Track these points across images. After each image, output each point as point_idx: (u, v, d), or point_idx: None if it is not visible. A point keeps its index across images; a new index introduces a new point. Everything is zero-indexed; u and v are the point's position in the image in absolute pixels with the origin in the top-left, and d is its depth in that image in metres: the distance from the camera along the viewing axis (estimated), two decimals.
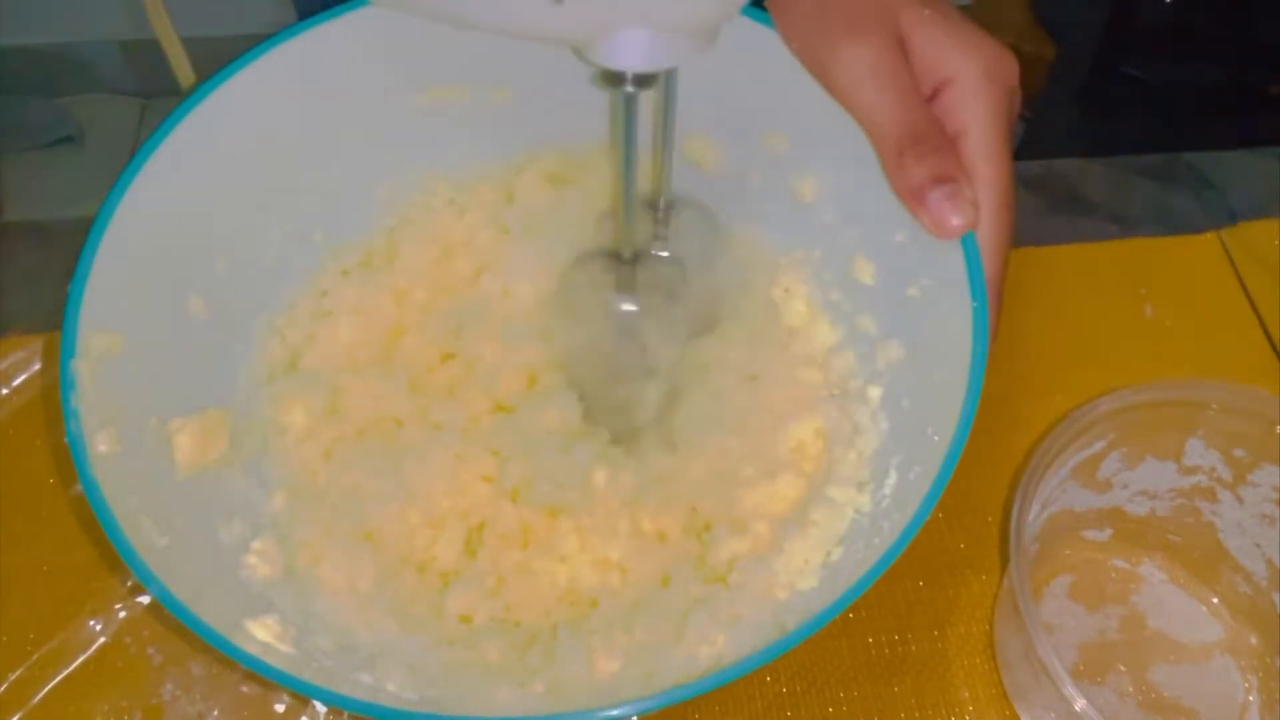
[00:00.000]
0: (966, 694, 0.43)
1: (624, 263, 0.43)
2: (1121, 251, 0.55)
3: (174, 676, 0.42)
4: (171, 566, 0.34)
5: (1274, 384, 0.50)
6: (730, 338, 0.47)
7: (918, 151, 0.36)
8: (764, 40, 0.41)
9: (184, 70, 0.40)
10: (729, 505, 0.43)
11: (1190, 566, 0.45)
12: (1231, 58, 0.79)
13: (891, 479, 0.40)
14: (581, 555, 0.42)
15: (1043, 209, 0.56)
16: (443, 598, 0.41)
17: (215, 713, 0.41)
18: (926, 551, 0.46)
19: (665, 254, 0.45)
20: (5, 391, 0.48)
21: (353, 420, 0.44)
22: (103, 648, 0.43)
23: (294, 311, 0.46)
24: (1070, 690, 0.35)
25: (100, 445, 0.35)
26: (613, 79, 0.34)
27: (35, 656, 0.42)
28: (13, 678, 0.42)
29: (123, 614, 0.43)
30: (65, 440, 0.35)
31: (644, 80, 0.34)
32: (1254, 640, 0.44)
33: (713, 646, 0.38)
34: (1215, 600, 0.45)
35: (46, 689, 0.42)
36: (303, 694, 0.33)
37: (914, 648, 0.44)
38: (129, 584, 0.44)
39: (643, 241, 0.44)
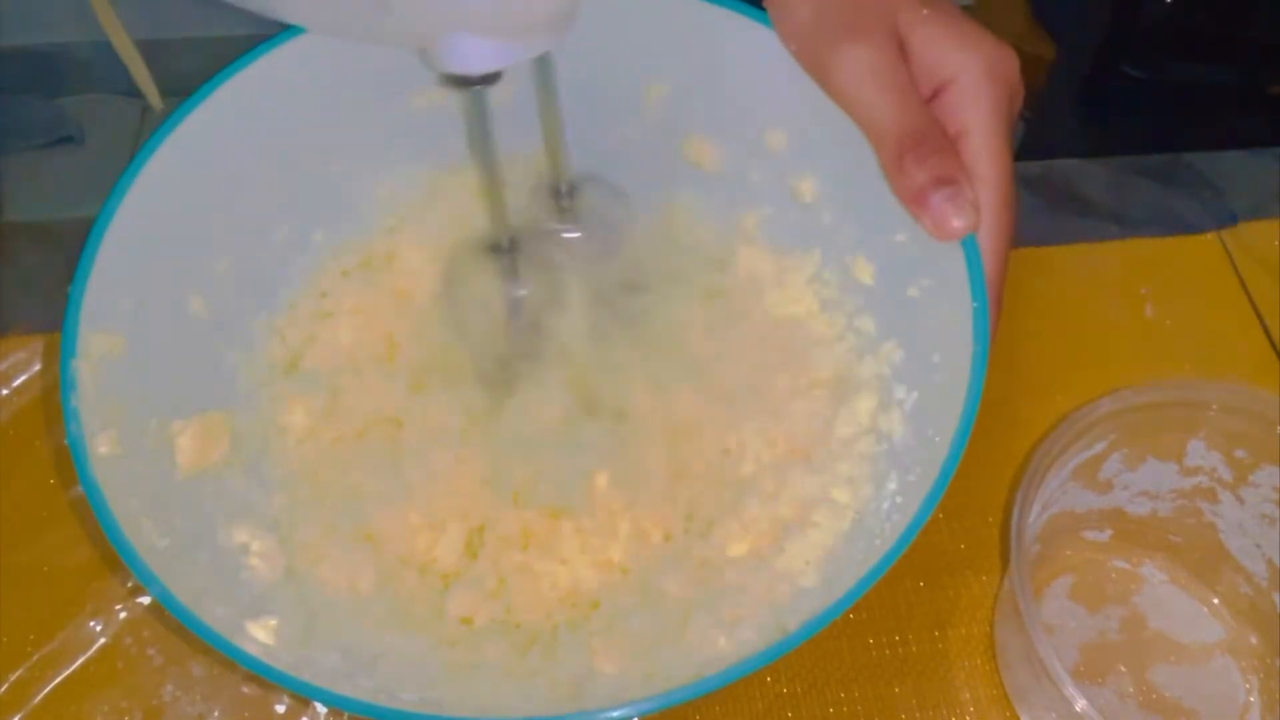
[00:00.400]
0: (967, 695, 0.43)
1: (504, 251, 0.43)
2: (1121, 251, 0.55)
3: (174, 677, 0.42)
4: (172, 568, 0.34)
5: (1275, 384, 0.50)
6: (729, 338, 0.47)
7: (918, 154, 0.36)
8: (763, 40, 0.41)
9: (149, 87, 0.41)
10: (729, 506, 0.43)
11: (1191, 567, 0.45)
12: (1232, 58, 0.78)
13: (892, 480, 0.40)
14: (582, 556, 0.42)
15: (1043, 209, 0.56)
16: (443, 599, 0.41)
17: (216, 713, 0.41)
18: (927, 552, 0.46)
19: (577, 234, 0.45)
20: (5, 392, 0.48)
21: (353, 421, 0.44)
22: (103, 648, 0.42)
23: (294, 312, 0.46)
24: (1071, 691, 0.35)
25: (101, 447, 0.35)
26: (456, 80, 0.34)
27: (35, 657, 0.42)
28: (13, 678, 0.42)
29: (123, 615, 0.43)
30: (66, 441, 0.35)
31: (487, 79, 0.35)
32: (1255, 641, 0.44)
33: (713, 647, 0.38)
34: (1216, 601, 0.45)
35: (47, 689, 0.42)
36: (303, 695, 0.33)
37: (914, 648, 0.44)
38: (129, 584, 0.44)
39: (549, 225, 0.45)
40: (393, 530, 0.42)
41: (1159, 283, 0.54)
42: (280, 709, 0.41)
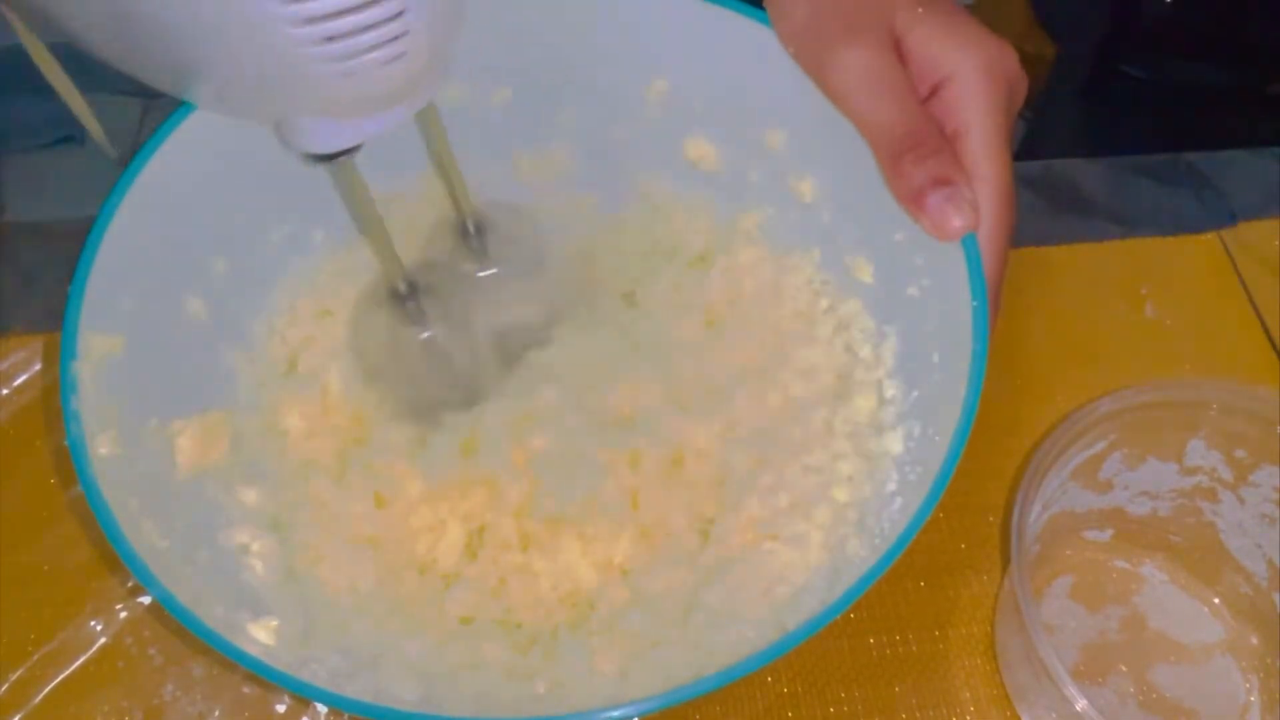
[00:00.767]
0: (967, 694, 0.43)
1: (405, 296, 0.43)
2: (1122, 251, 0.55)
3: (175, 677, 0.42)
4: (172, 568, 0.34)
5: (1275, 384, 0.50)
6: (729, 338, 0.47)
7: (915, 155, 0.36)
8: (763, 40, 0.41)
9: (99, 135, 0.41)
10: (729, 506, 0.43)
11: (1191, 567, 0.45)
12: (1232, 58, 0.78)
13: (892, 479, 0.40)
14: (583, 557, 0.42)
15: (1043, 209, 0.56)
16: (444, 599, 0.41)
17: (216, 713, 0.41)
18: (927, 552, 0.46)
19: (492, 271, 0.45)
20: (6, 392, 0.48)
21: (353, 422, 0.44)
22: (103, 648, 0.42)
23: (294, 312, 0.45)
24: (1071, 691, 0.35)
25: (101, 448, 0.35)
26: (314, 157, 0.35)
27: (36, 657, 0.42)
28: (13, 678, 0.42)
29: (124, 614, 0.43)
30: (65, 442, 0.35)
31: (347, 152, 0.35)
32: (1255, 641, 0.44)
33: (713, 647, 0.38)
34: (1216, 601, 0.45)
35: (47, 689, 0.42)
36: (303, 696, 0.33)
37: (915, 648, 0.44)
38: (130, 584, 0.44)
39: (462, 268, 0.45)
40: (393, 531, 0.42)
41: (1159, 283, 0.54)
42: (280, 709, 0.41)
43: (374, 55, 0.30)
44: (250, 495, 0.41)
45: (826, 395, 0.44)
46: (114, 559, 0.33)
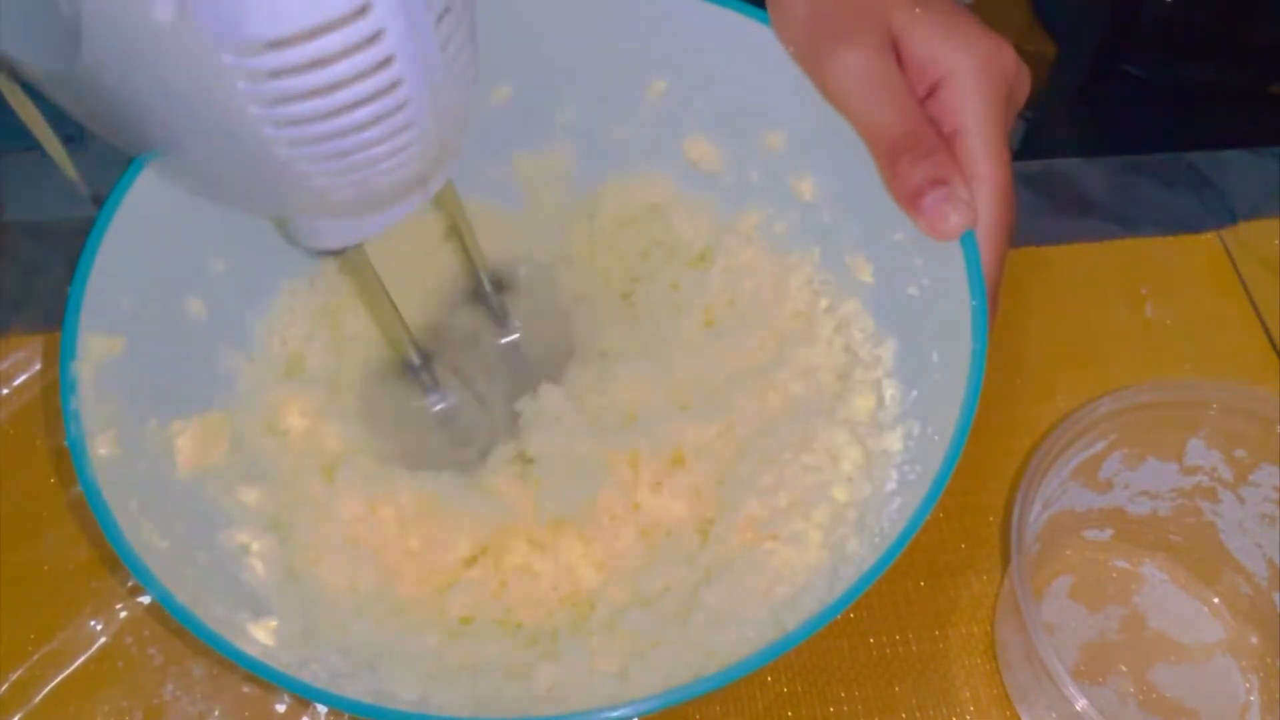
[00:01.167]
0: (967, 694, 0.43)
1: (417, 367, 0.43)
2: (1121, 251, 0.55)
3: (175, 677, 0.42)
4: (172, 569, 0.34)
5: (1275, 384, 0.50)
6: (729, 338, 0.46)
7: (912, 156, 0.36)
8: (763, 40, 0.41)
9: (70, 172, 0.41)
10: (729, 506, 0.43)
11: (1191, 567, 0.45)
12: (1232, 58, 0.78)
13: (892, 479, 0.40)
14: (584, 559, 0.42)
15: (1043, 209, 0.56)
16: (444, 599, 0.41)
17: (216, 713, 0.41)
18: (927, 551, 0.46)
19: (514, 337, 0.45)
20: (5, 391, 0.48)
21: (354, 422, 0.44)
22: (104, 648, 0.43)
23: (294, 312, 0.45)
24: (1071, 690, 0.35)
25: (100, 448, 0.35)
26: (321, 251, 0.35)
27: (36, 656, 0.42)
28: (13, 678, 0.42)
29: (124, 614, 0.43)
30: (65, 442, 0.35)
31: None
32: (1255, 640, 0.44)
33: (713, 646, 0.38)
34: (1216, 600, 0.45)
35: (47, 689, 0.42)
36: (303, 696, 0.33)
37: (915, 648, 0.44)
38: (130, 584, 0.44)
39: (484, 337, 0.45)
40: (393, 531, 0.42)
41: (1159, 283, 0.54)
42: (280, 709, 0.41)
43: (373, 148, 0.29)
44: (250, 495, 0.41)
45: (826, 395, 0.44)
46: (114, 559, 0.33)
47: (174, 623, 0.32)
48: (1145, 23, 0.78)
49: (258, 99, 0.27)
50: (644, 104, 0.46)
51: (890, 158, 0.37)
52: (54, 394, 0.36)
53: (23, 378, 0.48)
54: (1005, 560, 0.45)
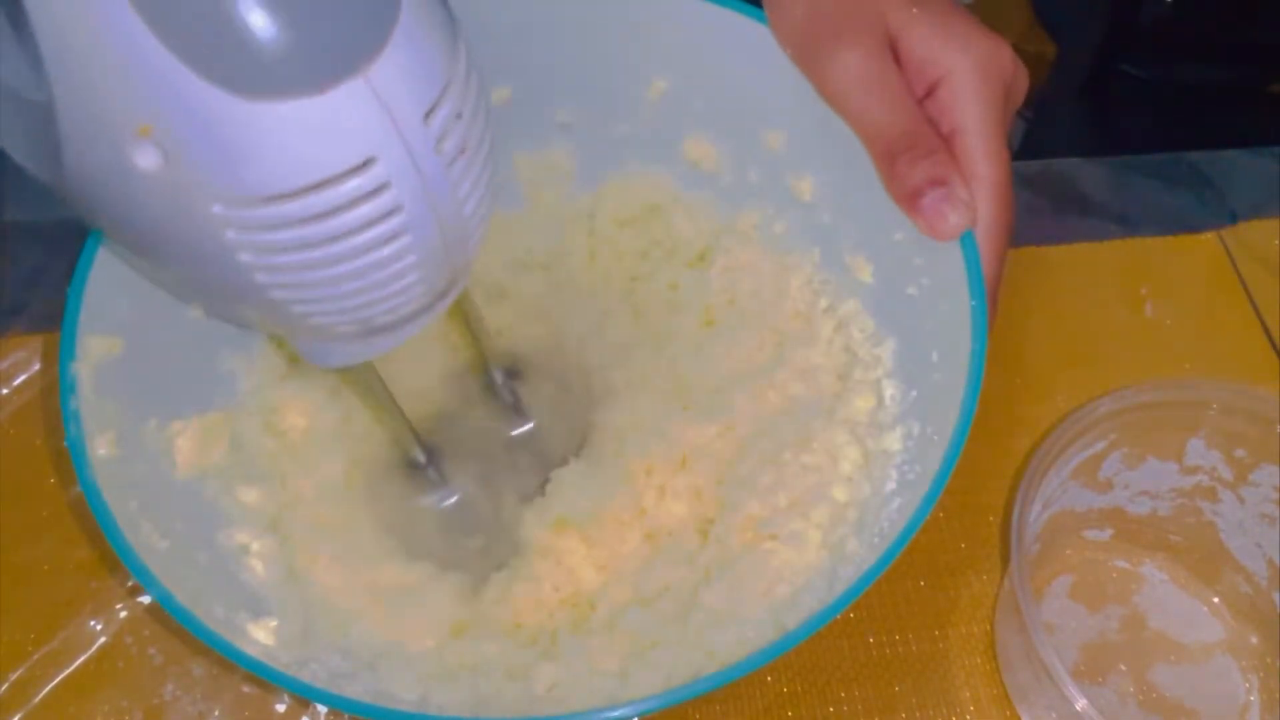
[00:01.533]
0: (967, 694, 0.43)
1: (423, 465, 0.42)
2: (1121, 251, 0.55)
3: (175, 676, 0.42)
4: (172, 569, 0.34)
5: (1275, 384, 0.50)
6: (728, 338, 0.47)
7: (910, 156, 0.36)
8: (763, 40, 0.41)
9: None
10: (729, 506, 0.43)
11: (1191, 566, 0.45)
12: (1232, 58, 0.78)
13: (892, 478, 0.40)
14: (586, 561, 0.42)
15: (1043, 209, 0.56)
16: (444, 600, 0.41)
17: (216, 713, 0.41)
18: (927, 551, 0.46)
19: (528, 426, 0.44)
20: (5, 391, 0.48)
21: (353, 422, 0.44)
22: (103, 647, 0.43)
23: None
24: (1071, 690, 0.35)
25: (100, 449, 0.35)
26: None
27: (36, 656, 0.42)
28: (13, 677, 0.42)
29: (123, 614, 0.43)
30: (65, 443, 0.35)
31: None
32: (1255, 640, 0.44)
33: (712, 646, 0.38)
34: (1216, 600, 0.45)
35: (47, 689, 0.42)
36: (303, 696, 0.33)
37: (915, 647, 0.44)
38: (130, 584, 0.44)
39: (499, 430, 0.44)
40: (393, 532, 0.42)
41: (1159, 282, 0.54)
42: (280, 708, 0.41)
43: (374, 290, 0.27)
44: (250, 495, 0.41)
45: (826, 395, 0.44)
46: (114, 559, 0.33)
47: (174, 623, 0.32)
48: (1145, 23, 0.78)
49: (249, 247, 0.25)
50: (644, 104, 0.46)
51: (888, 158, 0.37)
52: (54, 394, 0.36)
53: (22, 378, 0.48)
54: (1005, 560, 0.45)
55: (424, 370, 0.45)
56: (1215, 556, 0.44)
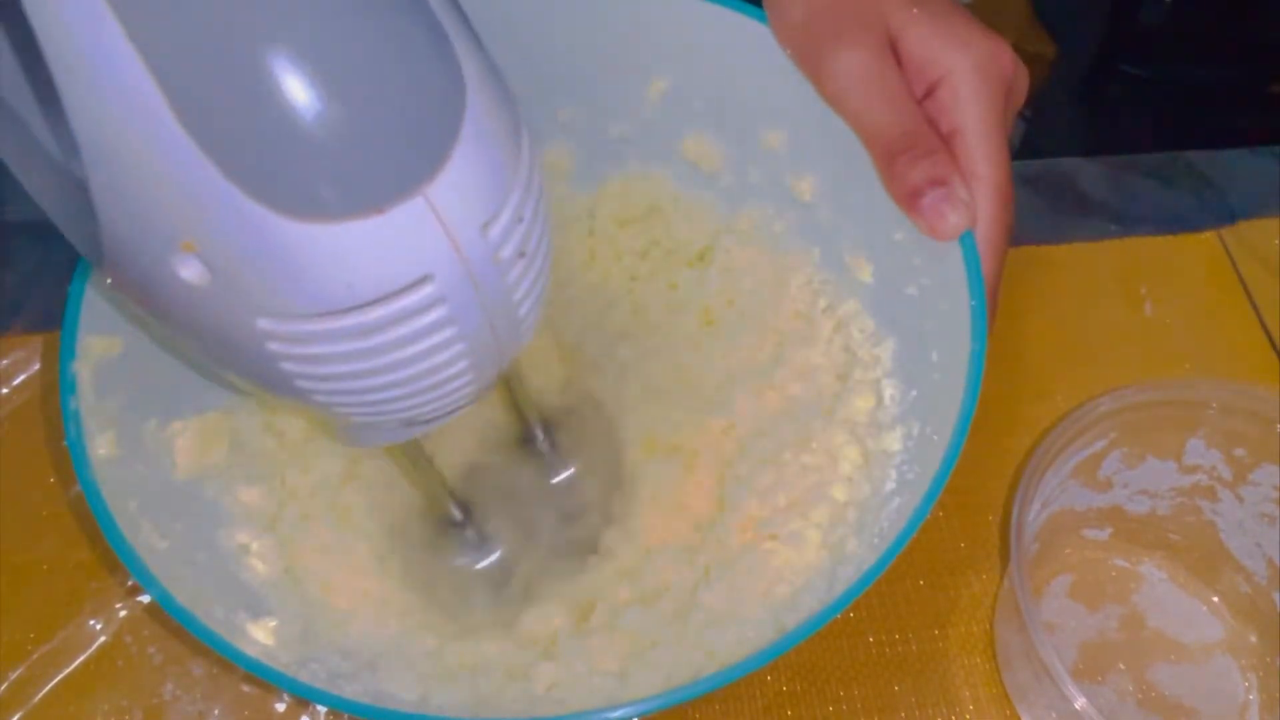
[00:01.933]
0: (967, 693, 0.43)
1: (460, 524, 0.41)
2: (1121, 251, 0.55)
3: (175, 676, 0.42)
4: (171, 569, 0.34)
5: (1275, 384, 0.50)
6: (727, 338, 0.47)
7: (910, 156, 0.36)
8: (763, 39, 0.41)
9: None
10: (729, 506, 0.43)
11: (1191, 566, 0.45)
12: (1232, 57, 0.78)
13: (891, 478, 0.40)
14: (583, 561, 0.42)
15: (1043, 209, 0.56)
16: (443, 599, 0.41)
17: (216, 712, 0.41)
18: (927, 551, 0.46)
19: (569, 472, 0.43)
20: (5, 391, 0.48)
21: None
22: (103, 647, 0.43)
23: None
24: (1070, 689, 0.35)
25: (100, 449, 0.35)
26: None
27: (35, 656, 0.42)
28: (13, 677, 0.42)
29: (123, 613, 0.43)
30: (65, 442, 0.35)
31: None
32: (1254, 640, 0.44)
33: (712, 646, 0.38)
34: (1216, 600, 0.45)
35: (47, 688, 0.42)
36: (302, 696, 0.33)
37: (914, 647, 0.44)
38: (129, 584, 0.44)
39: (527, 476, 0.42)
40: (392, 532, 0.42)
41: (1159, 282, 0.54)
42: (280, 708, 0.41)
43: (421, 395, 0.26)
44: (249, 495, 0.41)
45: (825, 395, 0.44)
46: (114, 559, 0.33)
47: (174, 622, 0.32)
48: (1145, 23, 0.78)
49: (293, 358, 0.25)
50: (644, 103, 0.46)
51: (888, 158, 0.37)
52: (54, 393, 0.36)
53: (22, 377, 0.48)
54: (1005, 560, 0.45)
55: (453, 426, 0.44)
56: (1215, 556, 0.44)
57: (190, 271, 0.23)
